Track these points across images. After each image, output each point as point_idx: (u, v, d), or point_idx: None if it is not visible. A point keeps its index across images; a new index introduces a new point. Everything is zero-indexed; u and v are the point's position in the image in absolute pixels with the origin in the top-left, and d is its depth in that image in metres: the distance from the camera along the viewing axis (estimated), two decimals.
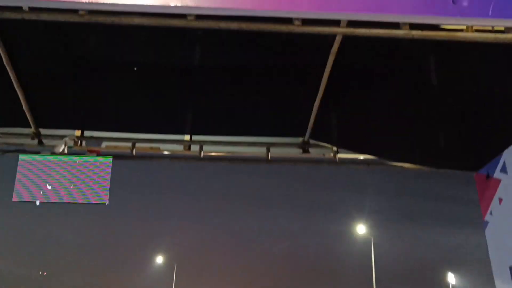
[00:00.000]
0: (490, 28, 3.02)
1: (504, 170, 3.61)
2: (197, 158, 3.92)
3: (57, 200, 3.62)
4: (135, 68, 3.34)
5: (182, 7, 2.60)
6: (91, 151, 3.80)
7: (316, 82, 3.36)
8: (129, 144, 3.87)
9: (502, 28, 2.97)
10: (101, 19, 2.89)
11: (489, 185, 3.74)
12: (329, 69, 3.25)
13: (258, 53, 3.37)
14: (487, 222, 3.77)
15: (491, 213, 3.73)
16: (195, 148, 3.90)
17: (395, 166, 3.85)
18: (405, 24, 2.98)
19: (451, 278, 28.09)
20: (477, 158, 3.70)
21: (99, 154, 3.79)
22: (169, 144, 3.95)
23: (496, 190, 3.66)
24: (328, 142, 3.91)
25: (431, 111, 3.53)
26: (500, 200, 3.64)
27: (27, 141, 3.88)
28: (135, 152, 3.87)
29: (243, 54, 3.34)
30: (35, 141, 3.86)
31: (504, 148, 3.60)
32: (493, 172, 3.71)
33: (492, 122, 3.51)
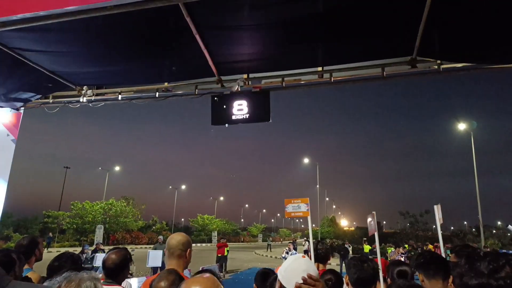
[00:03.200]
0: None
1: None
2: (328, 83, 5.26)
3: (240, 123, 5.43)
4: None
5: None
6: (255, 87, 5.46)
7: (420, 10, 4.25)
8: (280, 79, 5.42)
9: None
10: None
11: None
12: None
13: None
14: None
15: None
16: (326, 75, 5.25)
17: (493, 68, 4.60)
18: None
19: None
20: None
21: (260, 89, 5.44)
22: (307, 75, 5.36)
23: None
24: (432, 57, 4.81)
25: None
26: None
27: (214, 85, 5.73)
28: (284, 84, 5.43)
29: None
30: (219, 85, 5.67)
31: None
32: None
33: None
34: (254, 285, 2.79)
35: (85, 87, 6.09)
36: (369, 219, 5.84)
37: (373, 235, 5.39)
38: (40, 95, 6.46)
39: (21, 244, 3.38)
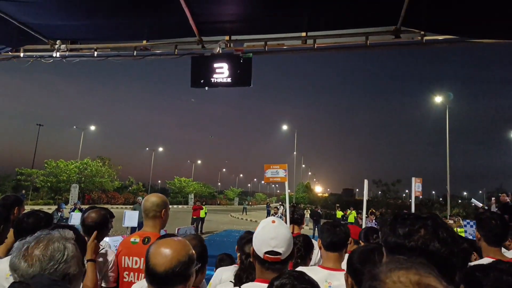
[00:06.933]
0: None
1: None
2: (311, 49, 5.18)
3: (220, 86, 5.33)
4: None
5: None
6: (237, 50, 5.33)
7: None
8: (263, 43, 5.29)
9: None
10: None
11: None
12: None
13: None
14: None
15: None
16: (310, 41, 5.16)
17: (474, 42, 4.64)
18: None
19: None
20: None
21: (242, 52, 5.31)
22: (290, 40, 5.25)
23: None
24: (416, 28, 4.79)
25: None
26: None
27: (194, 46, 5.54)
28: (267, 48, 5.30)
29: None
30: (200, 46, 5.49)
31: None
32: None
33: None
34: (236, 246, 2.86)
35: (58, 42, 5.78)
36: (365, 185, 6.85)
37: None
38: (11, 48, 6.10)
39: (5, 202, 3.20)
